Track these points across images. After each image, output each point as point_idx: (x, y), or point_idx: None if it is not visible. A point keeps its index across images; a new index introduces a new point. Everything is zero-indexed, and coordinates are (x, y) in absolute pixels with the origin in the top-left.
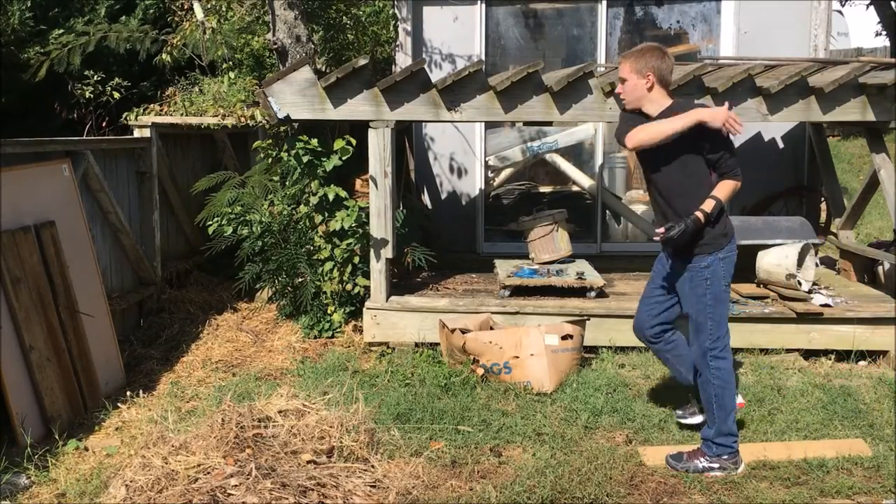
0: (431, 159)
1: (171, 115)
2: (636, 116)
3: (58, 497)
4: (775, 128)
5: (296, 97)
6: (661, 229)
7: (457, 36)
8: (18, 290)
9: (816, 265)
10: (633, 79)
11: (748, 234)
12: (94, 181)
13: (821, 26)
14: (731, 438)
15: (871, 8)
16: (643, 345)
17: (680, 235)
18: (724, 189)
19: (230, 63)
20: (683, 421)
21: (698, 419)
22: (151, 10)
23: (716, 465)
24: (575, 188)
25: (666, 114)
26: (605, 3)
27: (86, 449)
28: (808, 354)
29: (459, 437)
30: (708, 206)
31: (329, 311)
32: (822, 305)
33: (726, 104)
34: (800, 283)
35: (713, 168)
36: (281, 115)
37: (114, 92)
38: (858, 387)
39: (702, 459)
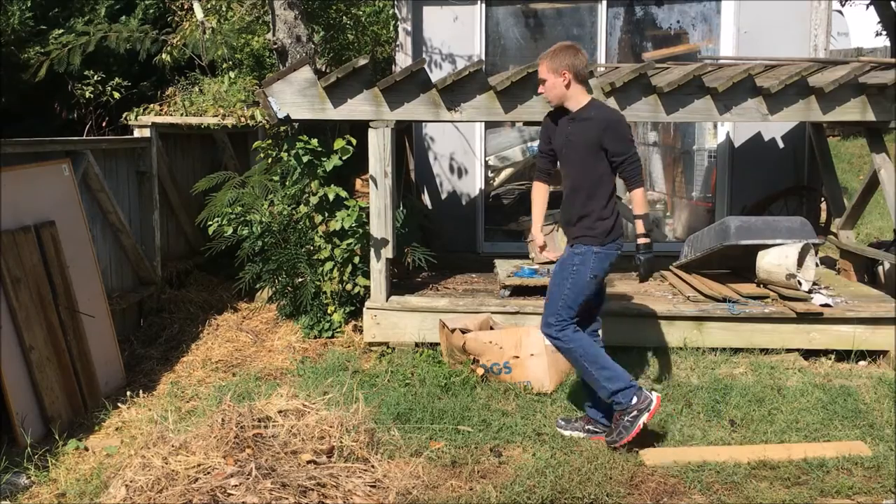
0: (431, 159)
1: (171, 115)
2: (547, 127)
3: (58, 497)
4: (775, 127)
5: (296, 97)
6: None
7: (457, 36)
8: (18, 290)
9: (816, 265)
10: (551, 78)
11: (748, 234)
12: (94, 181)
13: (821, 26)
14: (621, 380)
15: (872, 8)
16: (643, 345)
17: (651, 258)
18: (638, 201)
19: (230, 63)
20: (561, 430)
21: (576, 433)
22: (151, 10)
23: (634, 413)
24: None
25: (584, 111)
26: (605, 3)
27: (86, 449)
28: (808, 354)
29: (459, 437)
30: (640, 228)
31: (329, 311)
32: (822, 305)
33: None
34: (800, 283)
35: (616, 171)
36: (281, 115)
37: (114, 92)
38: (858, 387)
39: (623, 418)
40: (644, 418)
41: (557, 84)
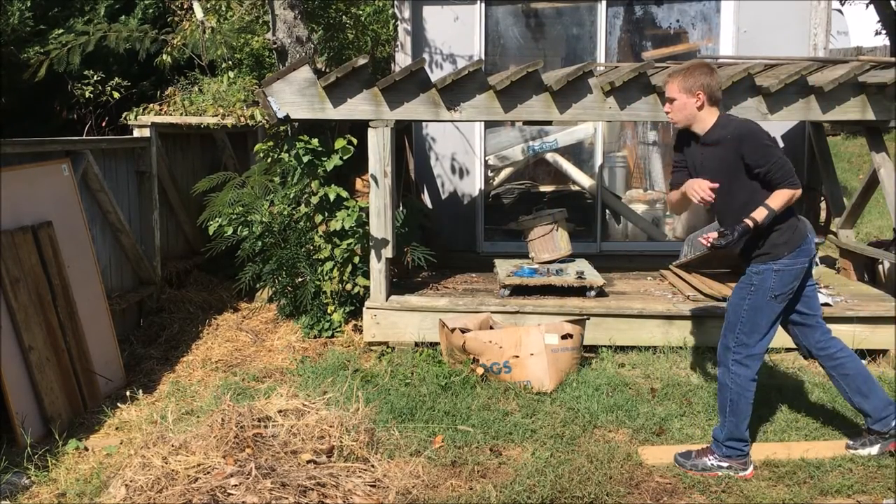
0: (432, 159)
1: (171, 114)
2: (681, 140)
3: (58, 497)
4: (775, 127)
5: (295, 97)
6: (710, 235)
7: (457, 35)
8: (17, 291)
9: (816, 264)
10: (683, 98)
11: None
12: (94, 181)
13: (820, 25)
14: (742, 444)
15: (871, 7)
16: (643, 344)
17: (728, 243)
18: (777, 198)
19: (230, 63)
20: (853, 451)
21: (870, 450)
22: (151, 10)
23: (724, 465)
24: (575, 187)
25: (712, 133)
26: (604, 2)
27: (86, 449)
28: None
29: (459, 437)
30: (759, 214)
31: (329, 311)
32: (821, 304)
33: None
34: None
35: (763, 184)
36: (280, 115)
37: (113, 92)
38: None
39: (710, 457)
40: (724, 472)
41: (689, 105)
